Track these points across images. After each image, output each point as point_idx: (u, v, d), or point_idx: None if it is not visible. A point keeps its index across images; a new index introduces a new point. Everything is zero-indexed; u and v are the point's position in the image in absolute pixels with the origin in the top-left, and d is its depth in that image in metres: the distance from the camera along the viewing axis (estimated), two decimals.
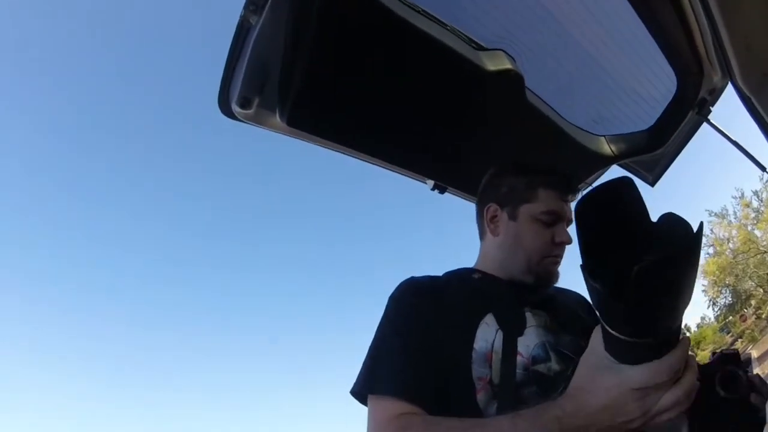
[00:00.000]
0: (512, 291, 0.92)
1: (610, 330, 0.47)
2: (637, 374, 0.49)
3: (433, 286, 0.91)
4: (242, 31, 1.01)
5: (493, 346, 0.78)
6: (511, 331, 0.81)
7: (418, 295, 0.88)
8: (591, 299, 0.50)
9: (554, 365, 0.79)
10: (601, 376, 0.52)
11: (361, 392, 0.80)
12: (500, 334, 0.80)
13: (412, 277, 0.92)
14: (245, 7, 0.97)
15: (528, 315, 0.86)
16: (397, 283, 0.91)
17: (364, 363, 0.83)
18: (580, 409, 0.54)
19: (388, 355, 0.81)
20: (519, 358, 0.78)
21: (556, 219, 0.94)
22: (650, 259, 0.41)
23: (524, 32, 1.23)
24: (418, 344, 0.79)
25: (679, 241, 0.45)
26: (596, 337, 0.54)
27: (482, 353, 0.78)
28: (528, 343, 0.81)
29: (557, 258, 0.94)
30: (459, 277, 0.98)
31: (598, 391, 0.53)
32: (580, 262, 0.48)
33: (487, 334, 0.80)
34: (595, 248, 0.48)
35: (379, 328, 0.86)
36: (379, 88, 1.08)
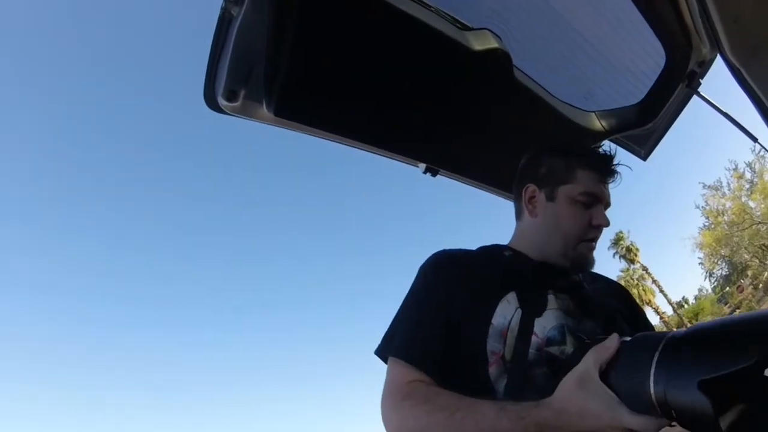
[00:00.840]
0: (539, 272, 0.91)
1: (659, 399, 0.48)
2: (635, 421, 0.53)
3: (461, 259, 0.96)
4: (224, 22, 0.99)
5: (510, 323, 0.80)
6: (531, 310, 0.82)
7: (445, 268, 0.93)
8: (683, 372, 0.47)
9: (569, 348, 0.80)
10: (596, 405, 0.56)
11: (380, 353, 0.87)
12: (519, 313, 0.81)
13: (444, 250, 0.96)
14: None
15: (550, 297, 0.86)
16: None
17: (389, 326, 0.90)
18: (564, 427, 0.60)
19: (406, 323, 0.88)
20: (534, 338, 0.79)
21: (595, 201, 0.93)
22: None
23: (510, 10, 1.22)
24: (435, 316, 0.84)
25: None
26: (592, 364, 0.59)
27: (499, 329, 0.80)
28: (545, 324, 0.81)
29: (593, 242, 0.94)
30: (489, 252, 1.00)
31: (588, 418, 0.57)
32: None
33: (507, 311, 0.81)
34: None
35: (406, 295, 0.93)
36: (365, 73, 1.07)
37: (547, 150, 1.01)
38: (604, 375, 0.56)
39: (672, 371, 0.47)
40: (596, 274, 1.03)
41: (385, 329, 0.91)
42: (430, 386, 0.77)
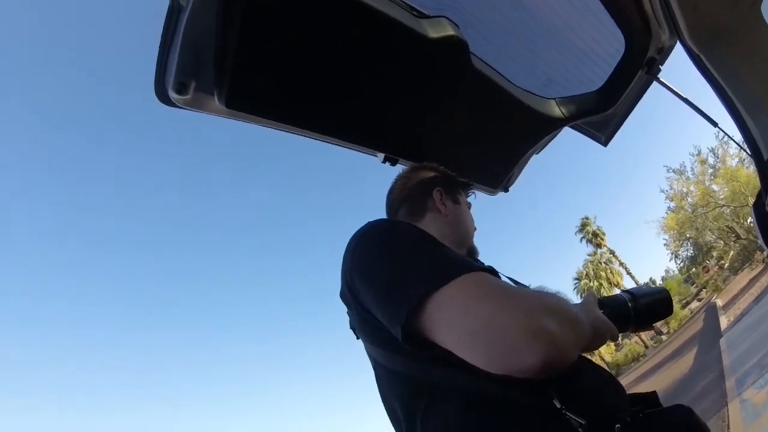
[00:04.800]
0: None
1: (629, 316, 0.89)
2: (614, 325, 0.83)
3: None
4: (173, 13, 0.95)
5: None
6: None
7: (411, 228, 0.83)
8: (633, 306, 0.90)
9: None
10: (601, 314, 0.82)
11: (430, 289, 0.63)
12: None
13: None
14: None
15: None
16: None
17: (404, 275, 0.68)
18: (597, 317, 0.80)
19: (439, 252, 0.73)
20: None
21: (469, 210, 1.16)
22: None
23: None
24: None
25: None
26: (594, 300, 0.87)
27: None
28: None
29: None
30: None
31: (600, 320, 0.81)
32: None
33: None
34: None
35: (389, 253, 0.73)
36: (319, 61, 1.05)
37: (434, 166, 1.19)
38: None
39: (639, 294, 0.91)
40: None
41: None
42: None
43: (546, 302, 0.64)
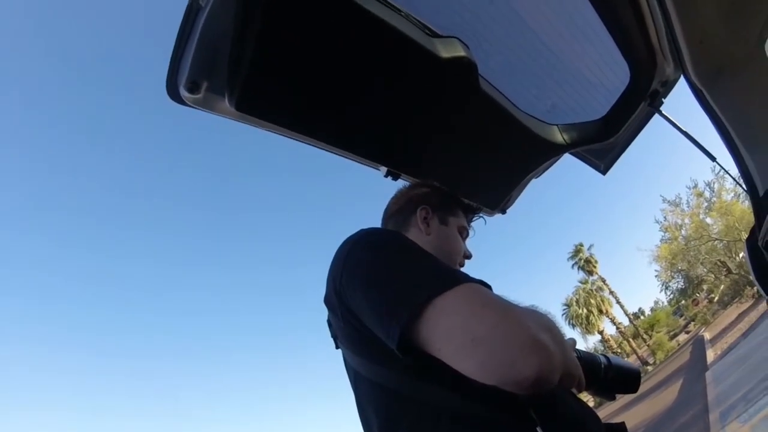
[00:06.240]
0: None
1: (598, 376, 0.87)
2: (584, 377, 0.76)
3: None
4: (191, 12, 0.97)
5: None
6: None
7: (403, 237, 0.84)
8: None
9: None
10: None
11: (430, 296, 0.61)
12: None
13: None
14: None
15: None
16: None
17: (405, 280, 0.67)
18: (573, 358, 0.75)
19: (434, 261, 0.72)
20: None
21: (466, 236, 1.11)
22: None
23: (479, 20, 1.23)
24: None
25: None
26: (573, 345, 0.83)
27: None
28: None
29: (462, 267, 1.08)
30: None
31: (577, 363, 0.76)
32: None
33: None
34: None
35: (386, 258, 0.73)
36: (330, 73, 1.06)
37: (432, 185, 1.16)
38: None
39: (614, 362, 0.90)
40: None
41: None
42: None
43: (541, 319, 0.65)
